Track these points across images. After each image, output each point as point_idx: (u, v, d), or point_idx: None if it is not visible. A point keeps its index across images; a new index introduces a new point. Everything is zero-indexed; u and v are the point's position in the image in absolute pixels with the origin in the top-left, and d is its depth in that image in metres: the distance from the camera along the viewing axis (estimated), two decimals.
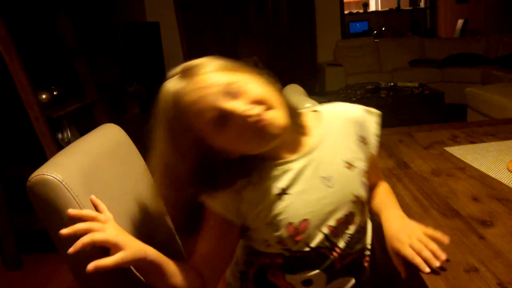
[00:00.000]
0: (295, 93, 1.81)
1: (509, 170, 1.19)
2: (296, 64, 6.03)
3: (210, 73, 0.81)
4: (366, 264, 1.01)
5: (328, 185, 0.89)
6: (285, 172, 0.88)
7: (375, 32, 6.99)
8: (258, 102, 0.79)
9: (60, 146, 2.44)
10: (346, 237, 0.92)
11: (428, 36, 6.65)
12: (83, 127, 2.46)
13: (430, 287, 0.74)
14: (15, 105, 2.26)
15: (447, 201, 1.05)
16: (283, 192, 0.88)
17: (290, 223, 0.88)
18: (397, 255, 0.86)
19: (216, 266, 0.91)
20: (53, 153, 0.89)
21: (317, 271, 0.93)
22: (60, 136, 2.67)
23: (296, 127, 0.89)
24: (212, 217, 0.88)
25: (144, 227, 1.03)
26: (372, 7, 8.72)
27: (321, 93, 4.92)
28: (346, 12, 6.80)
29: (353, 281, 0.98)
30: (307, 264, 0.92)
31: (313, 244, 0.90)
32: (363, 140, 0.96)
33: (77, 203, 0.78)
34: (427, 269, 0.79)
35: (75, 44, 2.83)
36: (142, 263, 0.78)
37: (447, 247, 0.83)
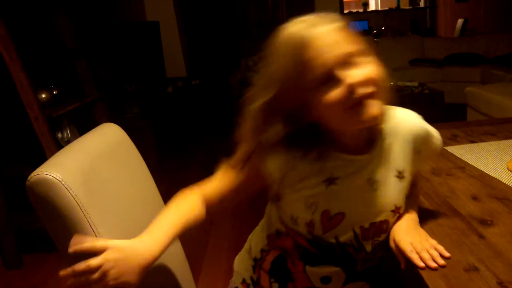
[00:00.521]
0: None
1: (509, 170, 1.19)
2: None
3: (334, 32, 0.79)
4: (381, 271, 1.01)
5: (374, 188, 0.89)
6: (341, 164, 0.87)
7: (374, 31, 6.99)
8: (370, 83, 0.78)
9: (59, 145, 2.44)
10: (374, 243, 0.92)
11: (428, 36, 6.64)
12: (83, 127, 2.46)
13: (430, 286, 0.74)
14: (15, 104, 2.26)
15: (447, 201, 1.04)
16: (331, 181, 0.87)
17: (327, 211, 0.88)
18: (397, 247, 0.86)
19: (227, 205, 0.94)
20: (52, 153, 0.89)
21: (337, 268, 0.93)
22: (60, 135, 2.67)
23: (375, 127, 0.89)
24: (255, 167, 0.88)
25: (144, 226, 1.03)
26: (372, 7, 8.69)
27: None
28: (346, 11, 6.79)
29: (367, 287, 0.98)
30: (330, 257, 0.92)
31: (342, 239, 0.90)
32: (418, 154, 0.94)
33: (77, 202, 0.78)
34: (422, 264, 0.79)
35: (75, 43, 2.83)
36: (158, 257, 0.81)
37: (447, 246, 0.83)
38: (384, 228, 0.92)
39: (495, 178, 1.15)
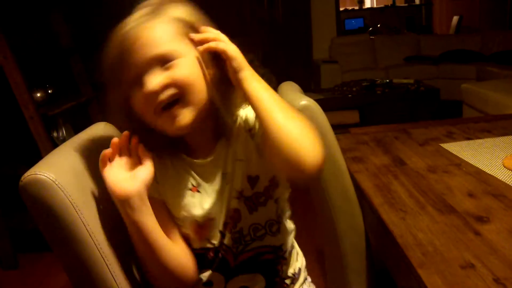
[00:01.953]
0: (291, 90, 1.80)
1: (504, 166, 1.19)
2: (291, 61, 6.02)
3: (155, 29, 0.77)
4: (280, 266, 0.97)
5: (226, 181, 0.88)
6: (197, 168, 0.87)
7: (370, 29, 6.99)
8: (171, 88, 0.76)
9: (55, 144, 2.43)
10: (234, 234, 0.90)
11: (424, 33, 6.65)
12: (79, 126, 2.45)
13: (426, 283, 0.73)
14: (9, 103, 2.24)
15: (443, 198, 1.04)
16: (196, 189, 0.87)
17: (196, 221, 0.88)
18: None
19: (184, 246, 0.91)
20: (48, 152, 0.88)
21: (214, 273, 0.91)
22: (55, 134, 2.66)
23: (215, 128, 0.86)
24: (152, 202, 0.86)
25: None
26: (368, 4, 8.71)
27: (316, 90, 4.90)
28: (341, 9, 6.79)
29: (262, 279, 0.95)
30: (202, 263, 0.91)
31: (213, 241, 0.90)
32: (250, 135, 0.88)
33: (70, 202, 0.77)
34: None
35: (70, 42, 2.82)
36: None
37: (443, 243, 0.83)
38: (237, 216, 0.89)
39: (491, 175, 1.15)
